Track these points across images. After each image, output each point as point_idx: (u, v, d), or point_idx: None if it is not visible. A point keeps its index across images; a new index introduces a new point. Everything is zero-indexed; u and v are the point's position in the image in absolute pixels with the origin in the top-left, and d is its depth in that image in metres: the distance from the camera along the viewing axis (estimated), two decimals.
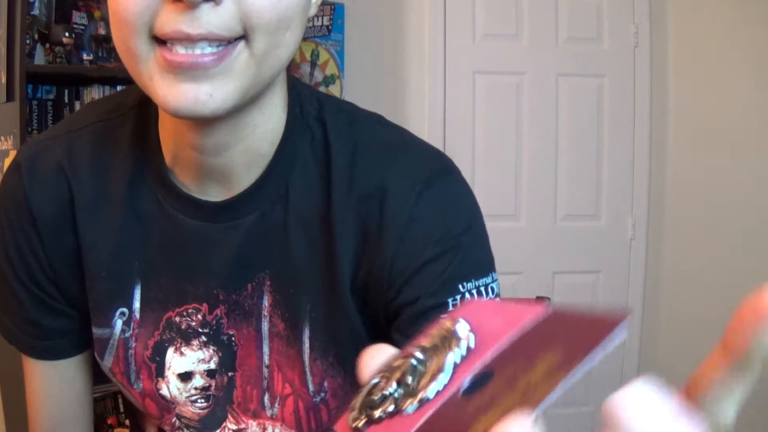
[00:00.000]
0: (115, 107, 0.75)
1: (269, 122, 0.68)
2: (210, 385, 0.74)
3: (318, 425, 0.74)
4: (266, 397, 0.73)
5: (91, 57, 2.25)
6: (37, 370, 0.78)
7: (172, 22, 0.55)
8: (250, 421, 0.74)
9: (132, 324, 0.73)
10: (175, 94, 0.56)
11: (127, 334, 0.73)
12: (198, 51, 0.55)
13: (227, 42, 0.56)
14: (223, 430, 0.75)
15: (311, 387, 0.71)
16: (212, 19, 0.55)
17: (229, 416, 0.74)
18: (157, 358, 0.73)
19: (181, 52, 0.55)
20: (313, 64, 2.75)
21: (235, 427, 0.75)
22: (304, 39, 2.68)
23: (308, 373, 0.71)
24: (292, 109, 0.71)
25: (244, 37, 0.57)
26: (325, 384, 0.71)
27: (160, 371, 0.73)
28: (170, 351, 0.73)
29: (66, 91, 2.25)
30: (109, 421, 2.07)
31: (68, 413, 0.80)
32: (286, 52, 0.61)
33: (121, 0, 0.56)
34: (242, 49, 0.57)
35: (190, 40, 0.55)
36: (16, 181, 0.73)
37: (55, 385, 0.79)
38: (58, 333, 0.77)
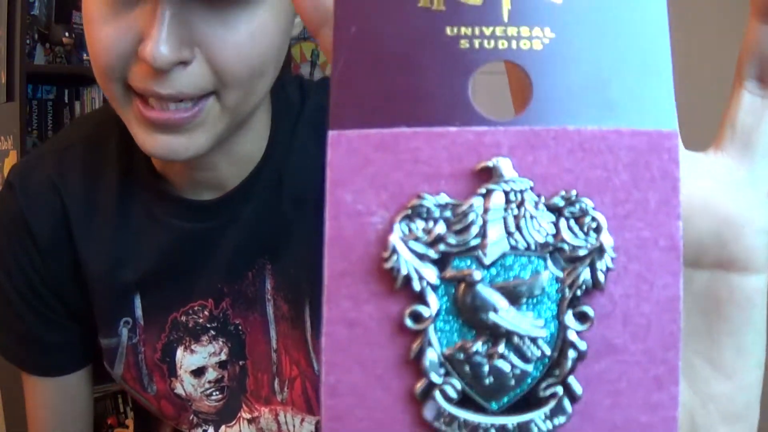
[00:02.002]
0: (102, 120, 0.76)
1: (255, 132, 0.68)
2: (223, 377, 0.73)
3: None
4: (276, 382, 0.73)
5: None
6: (38, 387, 0.78)
7: (143, 80, 0.56)
8: (263, 409, 0.74)
9: (137, 330, 0.73)
10: (152, 143, 0.58)
11: (134, 341, 0.73)
12: (172, 107, 0.56)
13: (198, 98, 0.57)
14: (238, 421, 0.75)
15: (316, 365, 0.71)
16: (182, 80, 0.55)
17: (244, 405, 0.75)
18: (168, 359, 0.73)
19: (154, 105, 0.56)
20: (313, 64, 2.71)
21: (249, 416, 0.75)
22: (304, 39, 2.63)
23: (311, 352, 0.71)
24: (277, 108, 0.70)
25: (214, 92, 0.57)
26: None
27: (172, 371, 0.73)
28: (180, 350, 0.73)
29: (66, 91, 2.24)
30: (109, 421, 2.05)
31: (71, 428, 0.80)
32: (260, 95, 0.61)
33: (96, 49, 0.57)
34: (213, 104, 0.58)
35: (161, 98, 0.56)
36: (10, 199, 0.73)
37: (57, 401, 0.78)
38: (60, 348, 0.77)
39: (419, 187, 0.22)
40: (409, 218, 0.22)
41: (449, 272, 0.22)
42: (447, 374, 0.22)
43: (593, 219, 0.22)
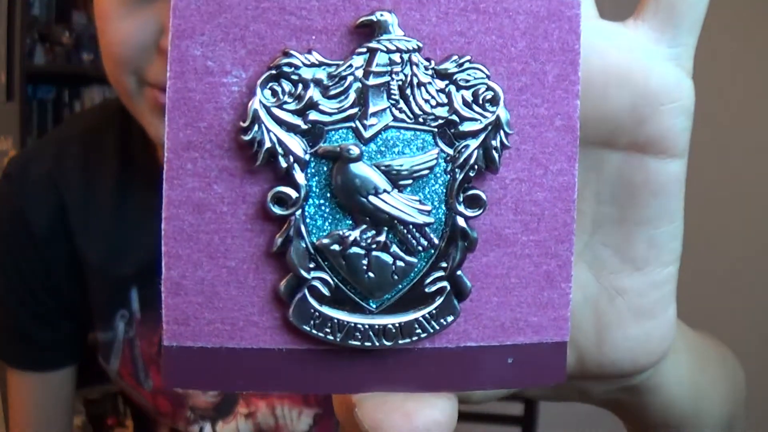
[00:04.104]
0: (100, 115, 0.76)
1: None
2: None
3: (324, 395, 0.70)
4: None
5: (91, 57, 2.16)
6: (23, 382, 0.76)
7: (161, 73, 0.56)
8: (260, 403, 0.73)
9: (134, 324, 0.72)
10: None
11: (130, 335, 0.72)
12: None
13: None
14: (235, 416, 0.74)
15: None
16: None
17: (241, 400, 0.73)
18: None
19: None
20: None
21: (246, 411, 0.74)
22: None
23: None
24: None
25: None
26: None
27: None
28: None
29: (66, 91, 2.21)
30: (109, 422, 1.98)
31: (53, 425, 0.78)
32: None
33: (112, 42, 0.57)
34: None
35: None
36: (8, 192, 0.72)
37: (40, 397, 0.77)
38: (48, 345, 0.75)
39: (285, 42, 0.18)
40: (274, 79, 0.18)
41: (322, 147, 0.18)
42: (317, 268, 0.19)
43: (489, 89, 0.19)
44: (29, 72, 2.04)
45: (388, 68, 0.18)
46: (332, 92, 0.18)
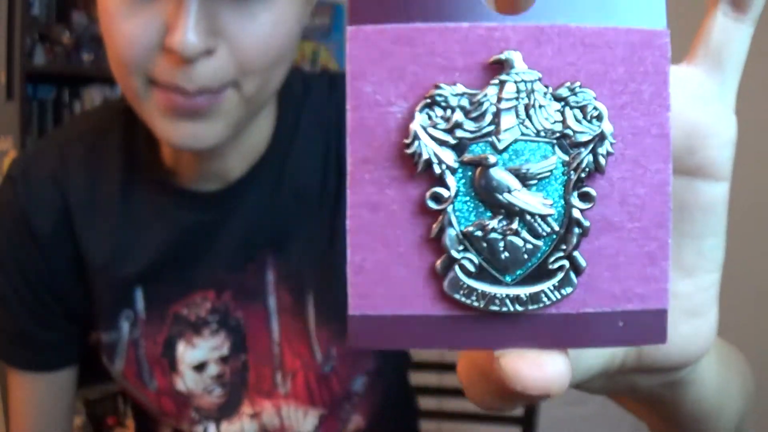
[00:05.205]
0: (103, 116, 0.76)
1: (264, 122, 0.69)
2: (224, 372, 0.73)
3: (330, 396, 0.73)
4: (278, 375, 0.73)
5: (91, 57, 2.22)
6: (24, 382, 0.77)
7: (167, 73, 0.56)
8: (265, 403, 0.74)
9: (139, 324, 0.72)
10: (174, 132, 0.59)
11: (135, 335, 0.72)
12: (193, 99, 0.57)
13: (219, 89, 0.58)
14: (240, 417, 0.74)
15: (319, 356, 0.71)
16: (206, 72, 0.56)
17: (245, 400, 0.74)
18: (169, 354, 0.72)
19: (176, 98, 0.57)
20: (314, 63, 2.71)
21: (251, 411, 0.74)
22: (304, 39, 2.61)
23: (314, 342, 0.71)
24: (281, 100, 0.71)
25: (234, 83, 0.58)
26: (333, 351, 0.70)
27: (173, 366, 0.73)
28: (181, 345, 0.72)
29: (66, 91, 2.24)
30: (109, 422, 2.06)
31: (53, 425, 0.79)
32: (276, 83, 0.62)
33: (118, 43, 0.57)
34: (232, 93, 0.59)
35: (185, 93, 0.56)
36: (11, 194, 0.72)
37: (43, 398, 0.77)
38: (51, 346, 0.76)
39: (435, 78, 0.24)
40: (428, 107, 0.24)
41: (467, 156, 0.24)
42: (465, 250, 0.24)
43: (595, 108, 0.24)
44: (29, 72, 2.05)
45: (516, 95, 0.24)
46: (473, 115, 0.24)
